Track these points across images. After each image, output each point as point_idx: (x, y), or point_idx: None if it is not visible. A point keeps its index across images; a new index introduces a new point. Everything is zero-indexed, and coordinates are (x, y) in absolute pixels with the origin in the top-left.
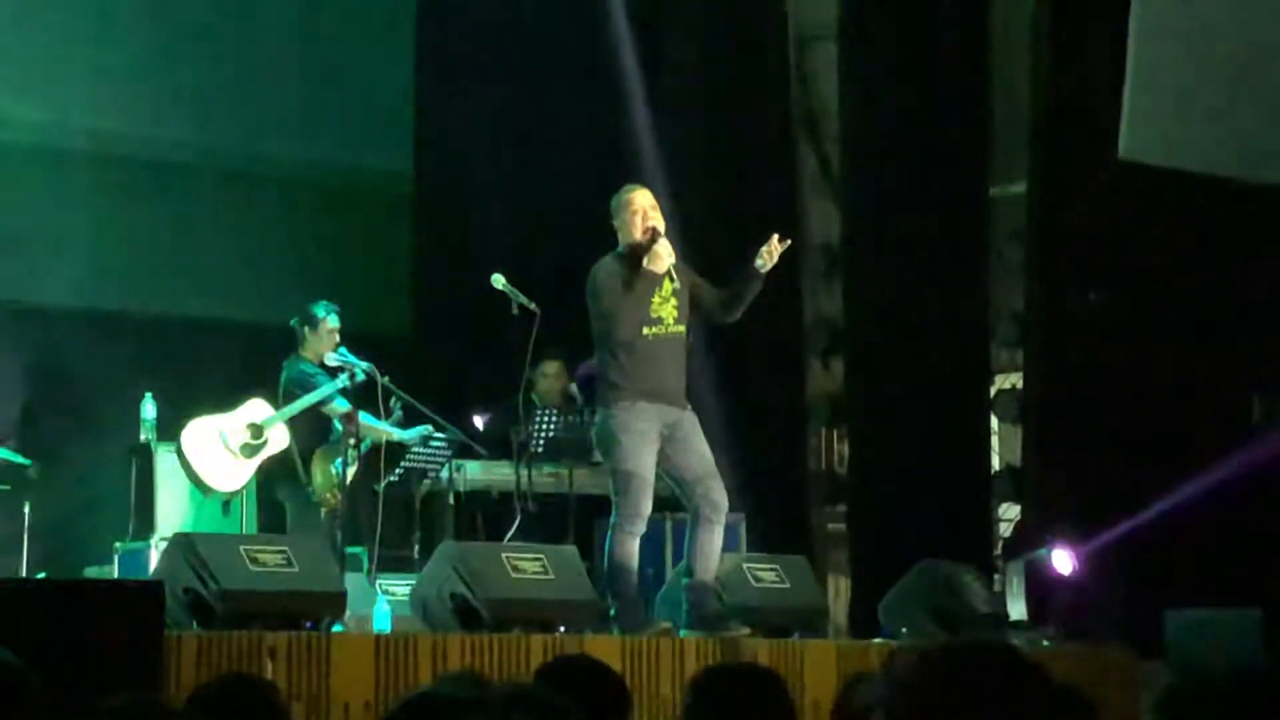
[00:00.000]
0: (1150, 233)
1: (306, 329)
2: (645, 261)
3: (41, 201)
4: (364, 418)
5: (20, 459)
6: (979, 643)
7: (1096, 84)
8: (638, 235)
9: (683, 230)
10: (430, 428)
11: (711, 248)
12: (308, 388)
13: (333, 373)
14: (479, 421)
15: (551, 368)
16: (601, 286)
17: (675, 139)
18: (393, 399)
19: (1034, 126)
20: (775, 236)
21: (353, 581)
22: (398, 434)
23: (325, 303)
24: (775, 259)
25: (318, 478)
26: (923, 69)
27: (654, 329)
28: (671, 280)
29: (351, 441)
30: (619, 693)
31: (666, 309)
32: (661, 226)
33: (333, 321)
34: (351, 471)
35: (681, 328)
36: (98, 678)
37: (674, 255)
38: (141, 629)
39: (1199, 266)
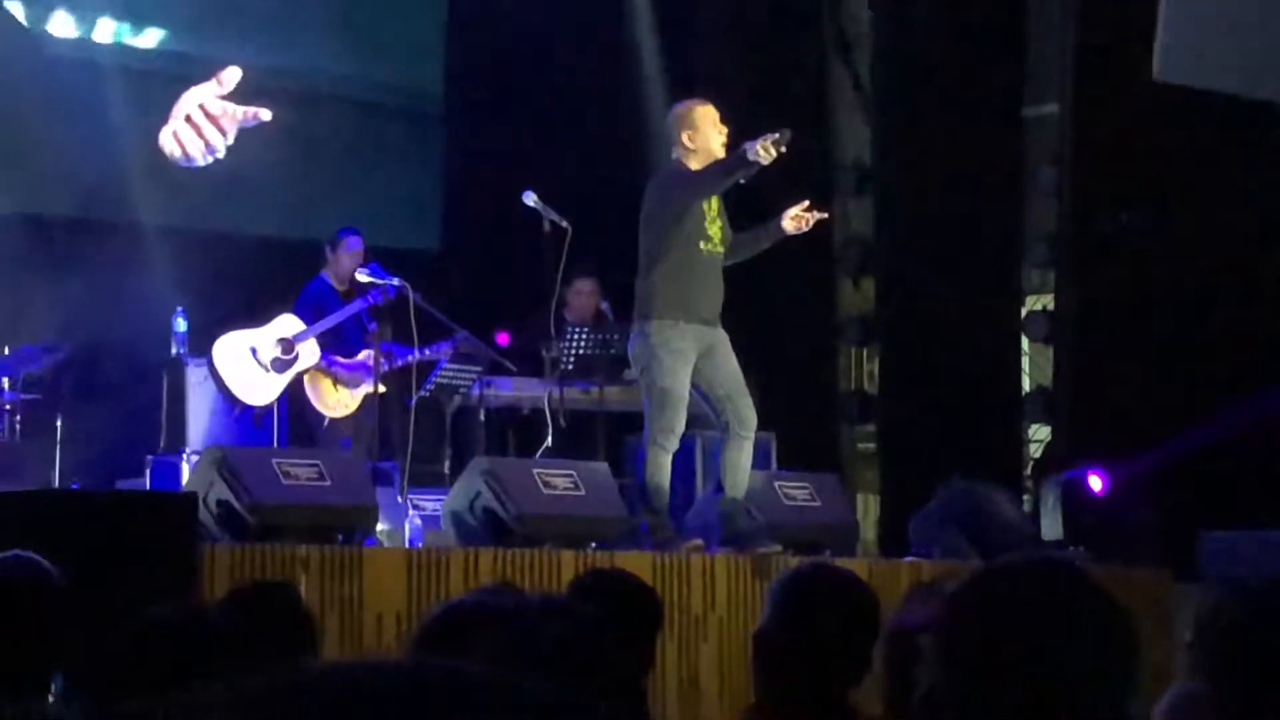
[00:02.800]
0: (1184, 154)
1: (329, 249)
2: (748, 151)
3: (68, 113)
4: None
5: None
6: (1037, 560)
7: (1131, 5)
8: (715, 148)
9: None
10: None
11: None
12: (316, 306)
13: (350, 291)
14: (504, 339)
15: (585, 285)
16: (675, 191)
17: (708, 58)
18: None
19: (1068, 47)
20: (812, 210)
21: (384, 496)
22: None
23: (349, 226)
24: (807, 227)
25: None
26: None
27: (707, 245)
28: (719, 200)
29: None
30: (651, 606)
31: (715, 228)
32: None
33: (353, 244)
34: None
35: (723, 249)
36: (131, 588)
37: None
38: (175, 541)
39: (1233, 188)
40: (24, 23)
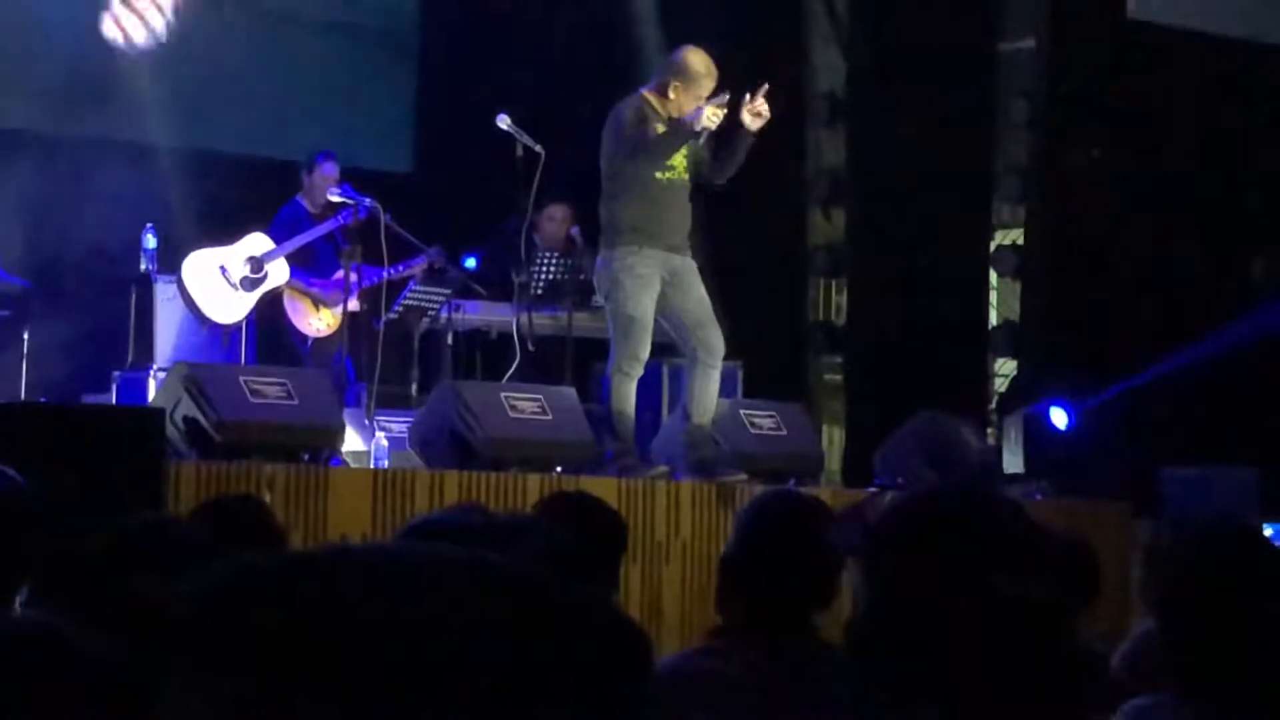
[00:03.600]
0: (1156, 92)
1: (304, 173)
2: (693, 122)
3: (39, 29)
4: None
5: (19, 281)
6: (958, 487)
7: None
8: (687, 106)
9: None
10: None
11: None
12: (290, 229)
13: (325, 214)
14: (471, 261)
15: (558, 211)
16: (628, 124)
17: None
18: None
19: None
20: (762, 90)
21: (351, 417)
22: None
23: (326, 150)
24: (765, 114)
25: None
26: None
27: (666, 174)
28: None
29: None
30: (615, 528)
31: (678, 156)
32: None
33: (329, 168)
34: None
35: (688, 176)
36: (98, 502)
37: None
38: (142, 456)
39: (1204, 127)
40: None
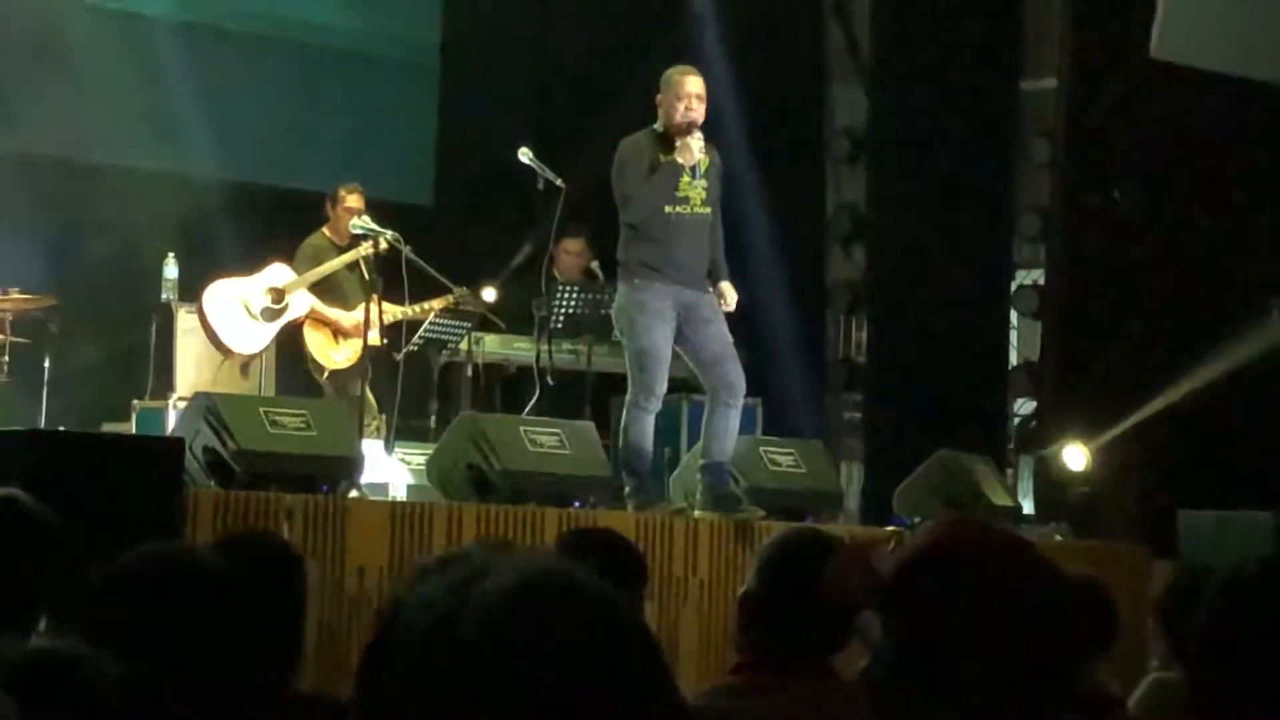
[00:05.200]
0: (1177, 133)
1: (329, 204)
2: (676, 151)
3: (68, 60)
4: None
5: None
6: (974, 529)
7: None
8: (676, 119)
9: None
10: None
11: (736, 129)
12: (313, 261)
13: (347, 246)
14: (489, 295)
15: (574, 244)
16: (625, 163)
17: (701, 16)
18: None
19: (1067, 22)
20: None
21: (370, 449)
22: None
23: (350, 182)
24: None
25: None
26: None
27: (678, 208)
28: (701, 166)
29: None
30: (635, 565)
31: (695, 190)
32: (700, 118)
33: (352, 201)
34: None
35: (708, 210)
36: (117, 531)
37: (704, 152)
38: (161, 485)
39: (1225, 168)
40: None
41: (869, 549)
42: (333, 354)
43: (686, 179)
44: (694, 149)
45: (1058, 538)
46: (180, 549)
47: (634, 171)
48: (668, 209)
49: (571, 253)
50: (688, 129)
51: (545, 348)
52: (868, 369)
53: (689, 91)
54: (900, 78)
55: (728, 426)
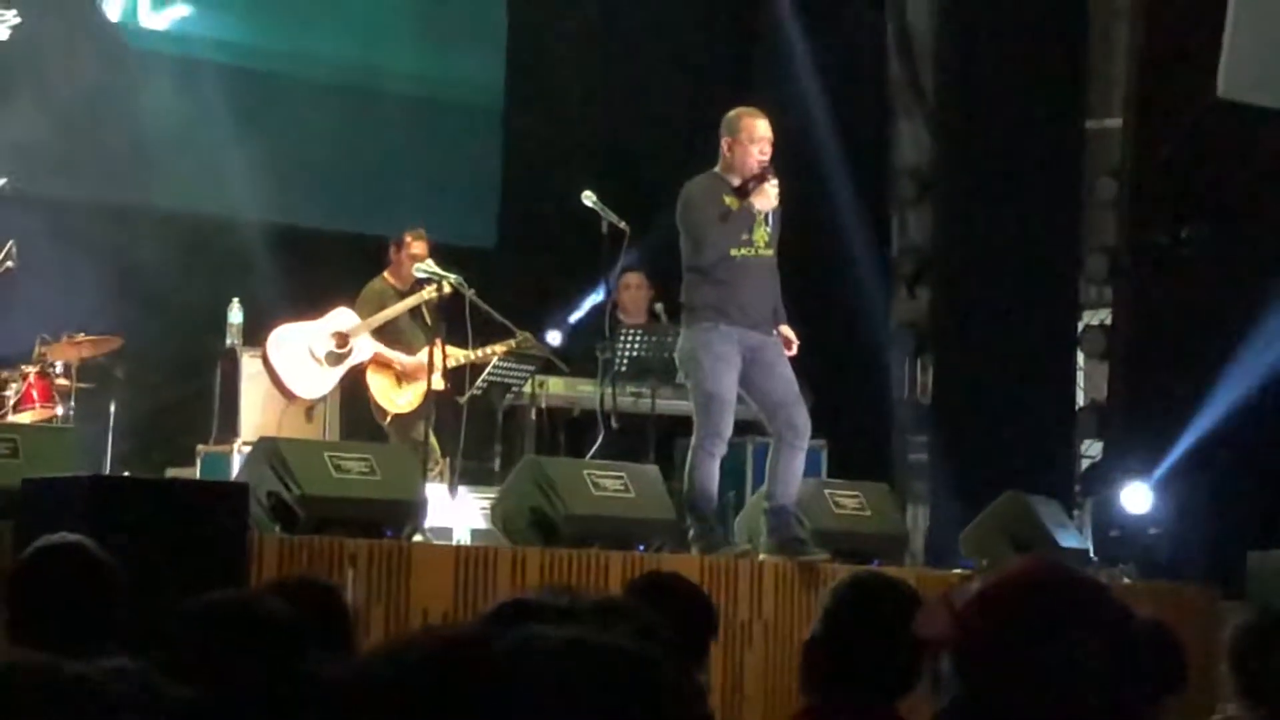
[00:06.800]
0: (1244, 172)
1: (393, 249)
2: (751, 196)
3: (138, 106)
4: None
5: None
6: (1045, 571)
7: (1197, 20)
8: (750, 165)
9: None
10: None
11: (801, 170)
12: (377, 305)
13: (411, 290)
14: (553, 338)
15: (634, 278)
16: (694, 206)
17: (766, 59)
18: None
19: (1133, 61)
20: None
21: (434, 493)
22: None
23: (414, 226)
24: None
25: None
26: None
27: (743, 250)
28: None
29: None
30: (706, 611)
31: (759, 233)
32: (768, 160)
33: (417, 246)
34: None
35: (771, 252)
36: (181, 577)
37: (778, 198)
38: (226, 530)
39: None
40: (105, 13)
41: (955, 590)
42: (396, 398)
43: (757, 223)
44: (771, 195)
45: (1125, 579)
46: (243, 598)
47: (704, 215)
48: (734, 252)
49: (632, 286)
50: (762, 174)
51: (609, 390)
52: (933, 411)
53: (761, 135)
54: (965, 117)
55: (793, 469)
